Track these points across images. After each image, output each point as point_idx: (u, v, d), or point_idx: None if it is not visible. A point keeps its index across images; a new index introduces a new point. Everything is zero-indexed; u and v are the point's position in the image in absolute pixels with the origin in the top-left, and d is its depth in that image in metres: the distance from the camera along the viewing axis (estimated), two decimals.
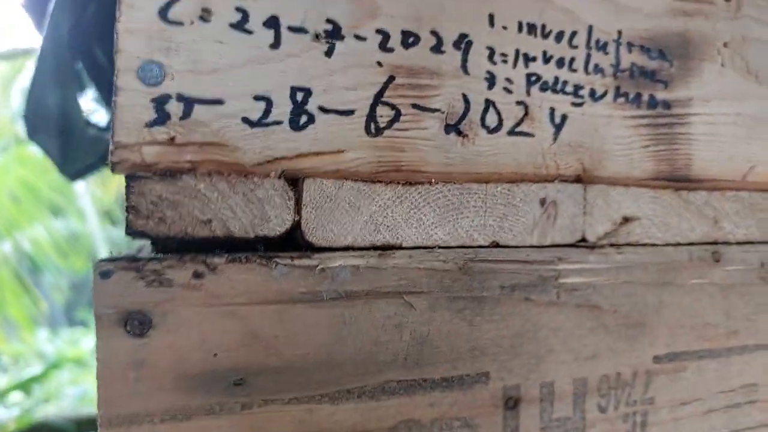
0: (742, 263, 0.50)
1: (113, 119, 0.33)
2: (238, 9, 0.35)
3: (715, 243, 0.49)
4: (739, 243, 0.50)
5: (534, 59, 0.42)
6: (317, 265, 0.36)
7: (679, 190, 0.48)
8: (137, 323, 0.32)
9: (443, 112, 0.40)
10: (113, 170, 0.33)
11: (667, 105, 0.47)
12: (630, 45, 0.46)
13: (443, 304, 0.39)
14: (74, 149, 0.81)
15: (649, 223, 0.46)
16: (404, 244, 0.39)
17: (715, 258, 0.48)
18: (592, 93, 0.44)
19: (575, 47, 0.44)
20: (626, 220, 0.45)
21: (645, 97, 0.46)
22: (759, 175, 0.51)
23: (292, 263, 0.35)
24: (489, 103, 0.41)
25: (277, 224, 0.35)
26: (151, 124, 0.33)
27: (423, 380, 0.38)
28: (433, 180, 0.40)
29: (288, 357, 0.35)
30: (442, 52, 0.40)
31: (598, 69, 0.45)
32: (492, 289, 0.40)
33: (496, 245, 0.41)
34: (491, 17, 0.41)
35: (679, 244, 0.47)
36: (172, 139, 0.34)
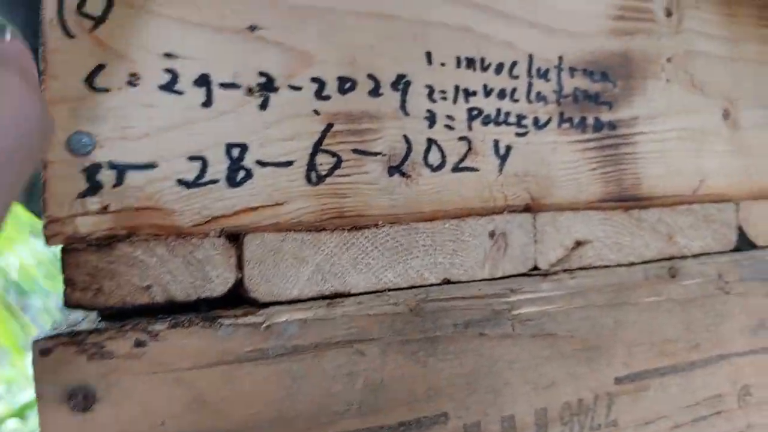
0: (699, 276, 0.50)
1: (43, 193, 0.33)
2: (166, 70, 0.35)
3: (671, 258, 0.50)
4: (695, 256, 0.51)
5: (474, 93, 0.43)
6: (263, 322, 0.35)
7: (629, 209, 0.48)
8: (81, 398, 0.32)
9: (385, 155, 0.40)
10: (47, 244, 0.33)
11: (612, 126, 0.47)
12: (572, 70, 0.46)
13: (396, 348, 0.39)
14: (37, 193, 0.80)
15: (601, 245, 0.47)
16: (353, 291, 0.39)
17: (671, 274, 0.49)
18: (536, 121, 0.44)
19: (516, 77, 0.44)
20: (578, 244, 0.46)
21: (590, 121, 0.46)
22: (710, 187, 0.52)
23: (236, 322, 0.35)
24: (431, 142, 0.41)
25: (219, 284, 0.35)
26: (83, 195, 0.33)
27: (379, 427, 0.38)
28: (379, 223, 0.40)
29: (238, 418, 0.34)
30: (381, 95, 0.40)
31: (540, 97, 0.45)
32: (445, 328, 0.40)
33: (447, 282, 0.41)
34: (429, 55, 0.41)
35: (633, 264, 0.48)
36: (106, 207, 0.33)
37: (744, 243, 0.53)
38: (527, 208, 0.44)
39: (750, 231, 0.54)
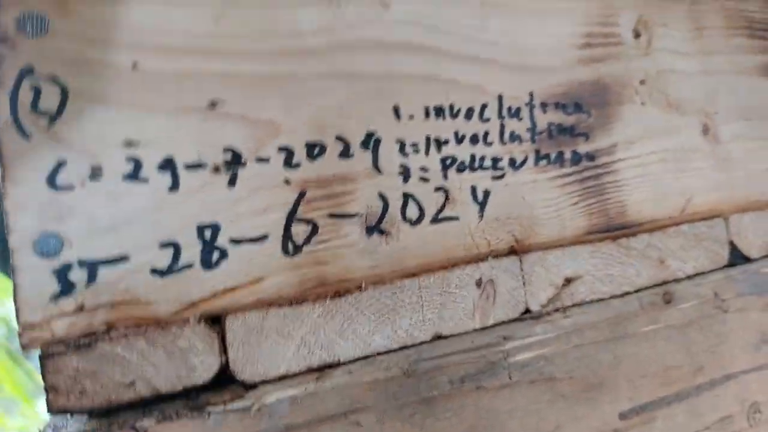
0: (695, 298, 0.49)
1: (14, 298, 0.32)
2: (129, 159, 0.34)
3: (664, 283, 0.49)
4: (689, 277, 0.50)
5: (446, 142, 0.42)
6: (252, 405, 0.35)
7: (617, 238, 0.47)
8: None
9: (362, 215, 0.39)
10: (24, 350, 0.32)
11: (591, 157, 0.47)
12: (544, 105, 0.45)
13: (392, 414, 0.38)
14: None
15: (592, 279, 0.46)
16: (342, 360, 0.38)
17: (666, 300, 0.48)
18: (512, 162, 0.44)
19: (487, 120, 0.43)
20: (568, 280, 0.45)
21: (567, 155, 0.46)
22: (698, 205, 0.51)
23: (225, 408, 0.34)
24: (407, 197, 0.41)
25: (203, 371, 0.34)
26: (56, 297, 0.32)
27: None
28: (362, 285, 0.39)
29: None
30: (351, 156, 0.39)
31: (514, 137, 0.44)
32: (441, 386, 0.39)
33: (438, 338, 0.40)
34: (396, 109, 0.41)
35: (626, 294, 0.47)
36: (81, 306, 0.33)
37: (737, 257, 0.52)
38: (512, 251, 0.43)
39: (742, 244, 0.53)
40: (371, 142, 0.40)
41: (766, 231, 0.54)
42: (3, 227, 0.32)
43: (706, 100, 0.52)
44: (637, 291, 0.47)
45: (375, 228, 0.40)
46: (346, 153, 0.39)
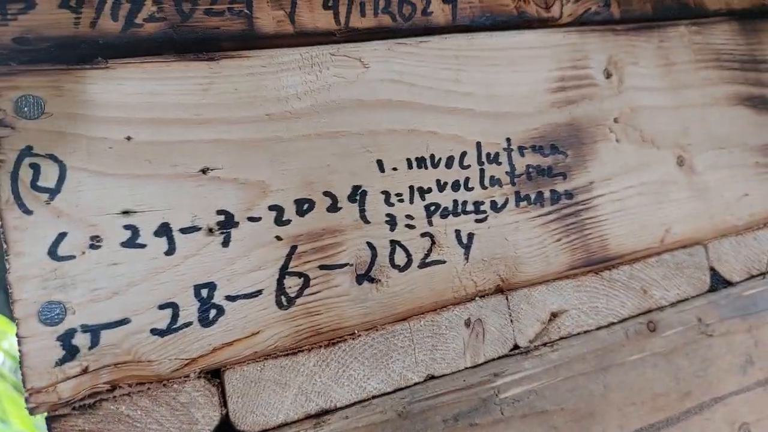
0: (680, 324, 0.51)
1: (21, 367, 0.33)
2: (126, 227, 0.36)
3: (648, 312, 0.50)
4: (673, 304, 0.52)
5: (429, 190, 0.44)
6: None
7: (600, 271, 0.49)
8: None
9: (352, 265, 0.41)
10: (31, 413, 0.34)
11: (570, 195, 0.49)
12: (521, 148, 0.48)
13: None
14: None
15: (577, 312, 0.47)
16: (338, 405, 0.39)
17: (650, 328, 0.50)
18: (494, 205, 0.46)
19: (467, 167, 0.45)
20: (554, 315, 0.47)
21: (547, 194, 0.48)
22: (677, 234, 0.53)
23: None
24: (395, 244, 0.42)
25: (205, 423, 0.36)
26: (61, 362, 0.34)
27: None
28: (356, 332, 0.41)
29: None
30: (339, 209, 0.41)
31: (494, 181, 0.46)
32: (435, 426, 0.41)
33: (431, 378, 0.42)
34: (380, 163, 0.43)
35: (612, 324, 0.49)
36: (85, 369, 0.34)
37: (719, 282, 0.54)
38: (499, 290, 0.45)
39: (723, 269, 0.55)
40: (358, 194, 0.42)
41: (746, 255, 0.56)
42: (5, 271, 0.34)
43: (680, 132, 0.55)
44: (622, 321, 0.49)
45: (365, 276, 0.41)
46: (333, 207, 0.41)
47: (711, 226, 0.55)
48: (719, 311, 0.53)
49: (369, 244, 0.42)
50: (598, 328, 0.48)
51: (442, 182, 0.44)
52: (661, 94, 0.55)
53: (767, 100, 0.60)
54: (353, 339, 0.40)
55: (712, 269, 0.54)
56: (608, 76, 0.52)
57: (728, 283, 0.55)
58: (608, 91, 0.52)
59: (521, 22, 0.50)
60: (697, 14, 0.58)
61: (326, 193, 0.41)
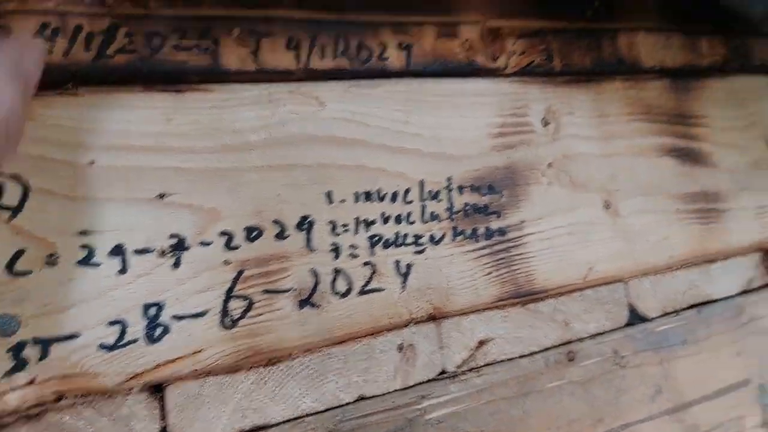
0: (597, 355, 0.56)
1: None
2: (83, 246, 0.38)
3: (569, 342, 0.55)
4: (592, 336, 0.56)
5: (374, 222, 0.48)
6: None
7: (526, 304, 0.53)
8: None
9: (295, 290, 0.44)
10: None
11: (502, 232, 0.53)
12: (461, 188, 0.52)
13: None
14: None
15: (503, 341, 0.52)
16: (273, 422, 0.42)
17: (569, 358, 0.54)
18: (432, 238, 0.50)
19: (410, 202, 0.49)
20: (482, 343, 0.51)
21: (481, 231, 0.52)
22: (599, 272, 0.58)
23: None
24: (337, 272, 0.46)
25: None
26: (9, 373, 0.36)
27: None
28: (293, 354, 0.44)
29: None
30: (286, 237, 0.44)
31: (434, 216, 0.50)
32: None
33: (362, 399, 0.45)
34: (329, 195, 0.46)
35: (534, 353, 0.53)
36: (33, 380, 0.36)
37: (636, 317, 0.59)
38: (431, 318, 0.49)
39: (641, 306, 0.60)
40: (305, 224, 0.45)
41: (663, 293, 0.61)
42: None
43: (608, 178, 0.60)
44: (544, 351, 0.53)
45: (307, 301, 0.45)
46: (281, 235, 0.44)
47: (632, 266, 0.60)
48: (634, 344, 0.58)
49: (313, 271, 0.45)
50: (521, 357, 0.52)
51: (386, 215, 0.48)
52: (594, 142, 0.59)
53: (691, 152, 0.66)
54: (291, 360, 0.43)
55: (630, 305, 0.59)
56: (546, 124, 0.57)
57: (644, 319, 0.60)
58: (545, 138, 0.57)
59: (470, 71, 0.54)
60: (633, 70, 0.64)
61: (275, 222, 0.44)
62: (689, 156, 0.66)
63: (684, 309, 0.62)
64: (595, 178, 0.59)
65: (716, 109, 0.69)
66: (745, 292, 0.68)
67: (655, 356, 0.59)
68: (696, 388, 0.62)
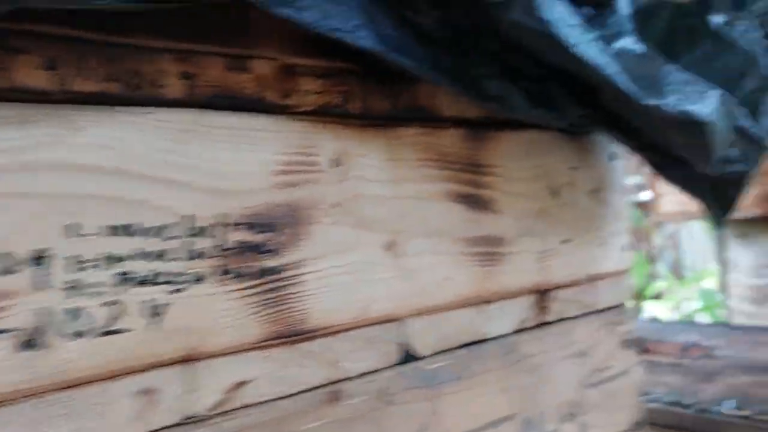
0: (364, 394, 0.58)
1: None
2: None
3: (336, 382, 0.56)
4: (362, 375, 0.58)
5: (127, 258, 0.45)
6: None
7: (296, 343, 0.54)
8: None
9: (20, 330, 0.41)
10: None
11: (277, 271, 0.53)
12: (236, 224, 0.51)
13: None
14: None
15: (264, 382, 0.52)
16: None
17: (336, 397, 0.55)
18: (195, 277, 0.48)
19: (174, 238, 0.47)
20: (239, 384, 0.50)
21: (252, 269, 0.52)
22: (375, 311, 0.60)
23: None
24: (73, 311, 0.43)
25: None
26: None
27: None
28: (8, 400, 0.40)
29: None
30: (14, 272, 0.41)
31: (200, 254, 0.49)
32: None
33: None
34: (76, 228, 0.43)
35: (299, 393, 0.54)
36: None
37: (409, 356, 0.62)
38: (185, 360, 0.47)
39: (415, 344, 0.63)
40: (40, 258, 0.42)
41: (438, 332, 0.65)
42: None
43: (395, 220, 0.62)
44: (308, 390, 0.54)
45: (30, 343, 0.41)
46: (9, 269, 0.41)
47: (411, 305, 0.63)
48: (404, 382, 0.61)
49: (45, 309, 0.42)
50: (282, 398, 0.52)
51: (144, 251, 0.46)
52: (383, 185, 0.62)
53: (479, 199, 0.71)
54: (7, 407, 0.40)
55: (403, 344, 0.62)
56: (336, 165, 0.58)
57: (417, 357, 0.63)
58: (333, 178, 0.58)
59: (259, 107, 0.53)
60: (431, 118, 0.67)
61: (5, 255, 0.40)
62: (477, 202, 0.70)
63: (458, 347, 0.67)
64: (381, 220, 0.61)
65: (507, 159, 0.75)
66: (518, 331, 0.74)
67: (424, 393, 0.62)
68: (464, 422, 0.67)
